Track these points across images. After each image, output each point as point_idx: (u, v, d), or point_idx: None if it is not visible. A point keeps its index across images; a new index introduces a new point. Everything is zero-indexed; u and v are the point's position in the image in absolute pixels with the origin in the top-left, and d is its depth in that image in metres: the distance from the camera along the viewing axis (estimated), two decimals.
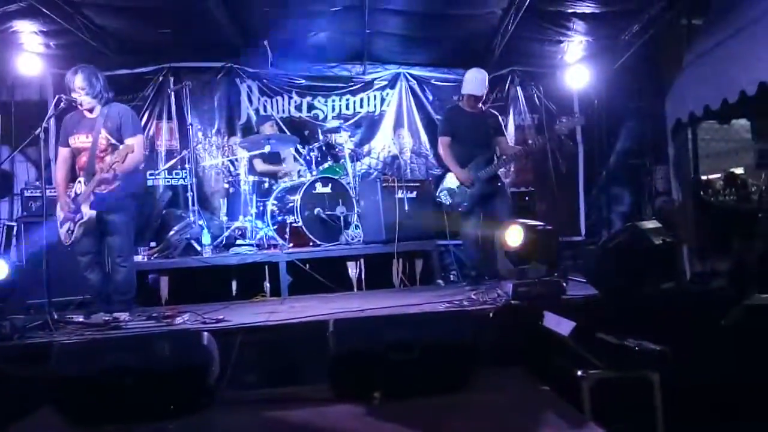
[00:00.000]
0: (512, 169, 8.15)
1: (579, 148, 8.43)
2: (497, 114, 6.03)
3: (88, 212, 4.54)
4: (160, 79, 7.74)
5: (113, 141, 4.66)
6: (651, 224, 4.54)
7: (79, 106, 4.67)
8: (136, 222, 5.14)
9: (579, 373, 3.21)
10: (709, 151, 7.79)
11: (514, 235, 4.78)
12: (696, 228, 6.08)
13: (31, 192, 6.25)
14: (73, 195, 4.63)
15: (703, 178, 7.37)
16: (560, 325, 3.61)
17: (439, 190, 5.88)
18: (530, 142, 5.92)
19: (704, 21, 5.90)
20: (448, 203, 5.72)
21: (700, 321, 3.76)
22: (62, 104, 4.68)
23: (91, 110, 4.70)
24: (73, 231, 4.61)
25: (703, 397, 3.33)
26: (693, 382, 3.36)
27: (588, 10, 6.61)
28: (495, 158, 5.72)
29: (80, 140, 4.69)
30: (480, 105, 5.79)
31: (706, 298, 4.35)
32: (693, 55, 5.89)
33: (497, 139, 5.79)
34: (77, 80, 4.60)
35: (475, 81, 5.67)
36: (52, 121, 5.17)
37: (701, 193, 7.05)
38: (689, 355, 3.37)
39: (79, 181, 4.64)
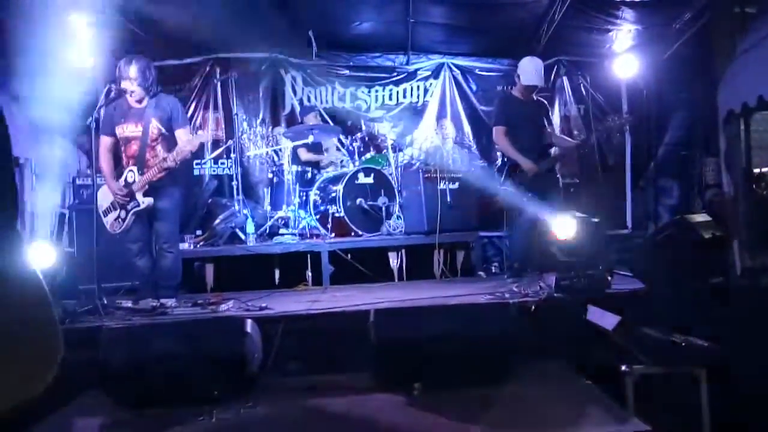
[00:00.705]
0: None
1: (626, 140, 8.23)
2: (545, 102, 5.97)
3: (144, 200, 4.63)
4: (207, 69, 7.84)
5: (164, 131, 4.74)
6: (700, 217, 4.44)
7: (128, 96, 4.71)
8: (182, 210, 5.23)
9: (623, 367, 3.17)
10: (762, 143, 7.53)
11: (559, 227, 4.74)
12: (747, 222, 5.89)
13: (83, 180, 6.38)
14: (123, 183, 4.70)
15: (756, 170, 7.14)
16: (604, 318, 3.55)
17: (502, 177, 5.64)
18: (580, 135, 5.83)
19: (758, 9, 5.72)
20: (512, 191, 5.53)
21: (750, 317, 3.66)
22: (113, 94, 4.71)
23: (139, 101, 4.76)
24: (124, 219, 4.70)
25: (751, 395, 3.24)
26: (741, 378, 3.28)
27: None
28: (549, 149, 5.66)
29: (129, 129, 4.75)
30: (533, 94, 5.73)
31: (756, 294, 4.24)
32: (747, 44, 5.70)
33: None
34: (132, 70, 4.63)
35: (535, 71, 5.56)
36: (102, 111, 5.26)
37: (753, 186, 6.84)
38: (738, 352, 3.30)
39: (131, 170, 4.70)
